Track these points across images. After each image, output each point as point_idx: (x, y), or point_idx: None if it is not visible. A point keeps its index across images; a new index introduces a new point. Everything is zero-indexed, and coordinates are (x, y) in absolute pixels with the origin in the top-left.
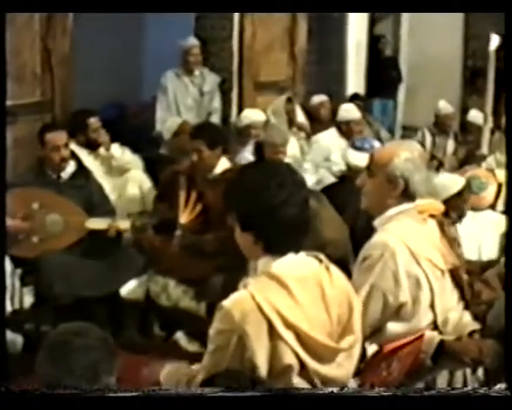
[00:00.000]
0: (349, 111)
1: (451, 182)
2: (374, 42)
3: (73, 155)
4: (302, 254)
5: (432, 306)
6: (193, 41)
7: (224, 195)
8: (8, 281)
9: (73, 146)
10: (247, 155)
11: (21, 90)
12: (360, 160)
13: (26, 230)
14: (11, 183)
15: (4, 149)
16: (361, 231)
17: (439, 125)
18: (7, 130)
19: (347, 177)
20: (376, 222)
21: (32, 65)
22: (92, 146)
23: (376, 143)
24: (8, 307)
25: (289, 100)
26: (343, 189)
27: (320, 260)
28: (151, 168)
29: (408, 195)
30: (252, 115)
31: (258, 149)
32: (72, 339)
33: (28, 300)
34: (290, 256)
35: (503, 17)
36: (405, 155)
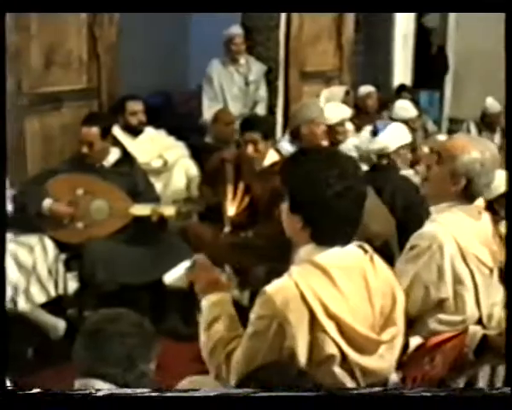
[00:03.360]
0: (406, 109)
1: (501, 180)
2: (421, 33)
3: (117, 143)
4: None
5: (477, 302)
6: (236, 30)
7: (281, 169)
8: (53, 266)
9: (117, 131)
10: (285, 145)
11: (68, 77)
12: (389, 139)
13: (70, 214)
14: (56, 169)
15: (4, 149)
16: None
17: (486, 121)
18: (53, 116)
19: (376, 166)
20: (433, 209)
21: (79, 52)
22: (134, 131)
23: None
24: (52, 292)
25: (347, 93)
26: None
27: (365, 251)
28: (197, 156)
29: (468, 195)
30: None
31: (296, 135)
32: (106, 326)
33: (72, 285)
34: (336, 249)
35: None
36: (475, 155)
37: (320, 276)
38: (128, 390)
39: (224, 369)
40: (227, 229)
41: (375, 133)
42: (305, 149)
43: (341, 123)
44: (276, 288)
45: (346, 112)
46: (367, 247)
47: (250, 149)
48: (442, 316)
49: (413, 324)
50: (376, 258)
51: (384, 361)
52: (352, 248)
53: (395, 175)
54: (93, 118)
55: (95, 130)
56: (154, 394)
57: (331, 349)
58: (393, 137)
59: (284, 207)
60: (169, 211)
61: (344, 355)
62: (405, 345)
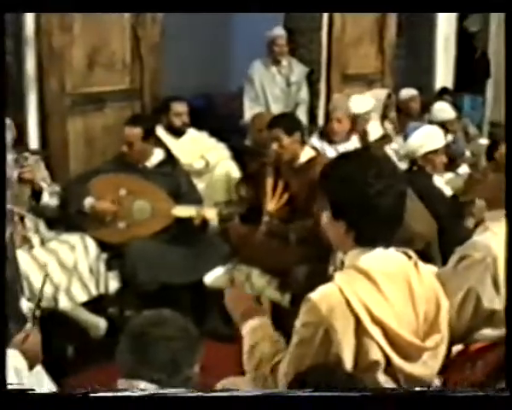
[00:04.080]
0: (444, 111)
1: None
2: (463, 37)
3: (160, 144)
4: (391, 249)
5: None
6: (279, 31)
7: (318, 180)
8: (94, 265)
9: (160, 132)
10: (314, 141)
11: (111, 78)
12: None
13: (113, 213)
14: (99, 169)
15: (4, 149)
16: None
17: None
18: (95, 116)
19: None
20: (488, 215)
21: (122, 53)
22: (177, 132)
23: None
24: (93, 291)
25: (389, 96)
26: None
27: (409, 257)
28: (238, 157)
29: None
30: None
31: (324, 132)
32: (150, 330)
33: (113, 285)
34: (380, 250)
35: None
36: None
37: (364, 281)
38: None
39: (271, 381)
40: (266, 218)
41: (406, 137)
42: (341, 155)
43: (366, 114)
44: (321, 295)
45: (371, 103)
46: (411, 253)
47: (275, 145)
48: (489, 331)
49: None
50: (420, 264)
51: (427, 368)
52: (396, 253)
53: (421, 182)
54: (137, 119)
55: (137, 130)
56: (192, 394)
57: (376, 355)
58: (421, 141)
59: (326, 215)
60: (211, 213)
61: (388, 361)
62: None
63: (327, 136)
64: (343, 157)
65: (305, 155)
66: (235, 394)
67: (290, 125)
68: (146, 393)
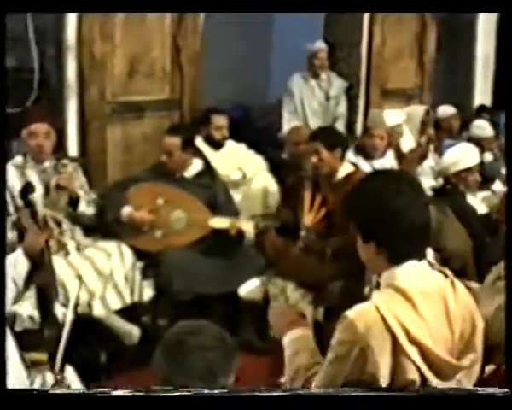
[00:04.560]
0: (483, 129)
1: None
2: (502, 54)
3: (198, 154)
4: (427, 266)
5: None
6: (320, 45)
7: (342, 206)
8: (130, 273)
9: (200, 143)
10: (350, 156)
11: (151, 87)
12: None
13: (150, 222)
14: (138, 178)
15: (4, 149)
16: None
17: None
18: (134, 125)
19: (437, 189)
20: None
21: (162, 62)
22: (216, 144)
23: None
24: (128, 300)
25: (428, 112)
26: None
27: (446, 275)
28: (275, 170)
29: None
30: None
31: (359, 148)
32: (187, 338)
33: (148, 293)
34: (414, 265)
35: None
36: None
37: (401, 300)
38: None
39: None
40: (303, 233)
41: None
42: (363, 179)
43: (398, 126)
44: (358, 313)
45: (402, 116)
46: (448, 271)
47: (314, 158)
48: None
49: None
50: (457, 283)
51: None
52: (433, 272)
53: (454, 200)
54: (176, 128)
55: (177, 140)
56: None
57: (412, 374)
58: (454, 159)
59: (358, 240)
60: (247, 225)
61: (423, 380)
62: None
63: (363, 151)
64: (361, 179)
65: (344, 170)
66: (235, 394)
67: (332, 140)
68: (145, 393)
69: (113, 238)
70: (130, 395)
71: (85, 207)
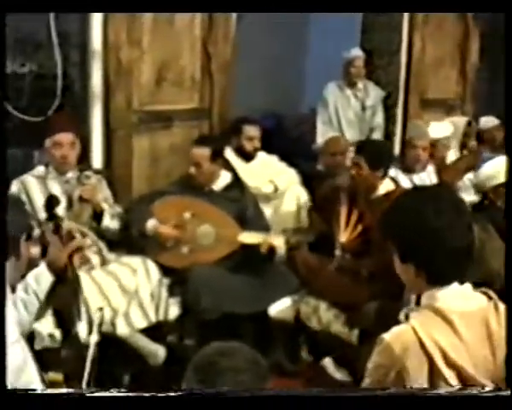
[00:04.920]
0: None
1: None
2: None
3: (227, 165)
4: (470, 288)
5: None
6: (357, 52)
7: (380, 224)
8: (156, 290)
9: (229, 155)
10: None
11: (179, 95)
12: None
13: (176, 237)
14: (164, 191)
15: (5, 151)
16: None
17: None
18: (162, 135)
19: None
20: None
21: (192, 70)
22: (247, 156)
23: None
24: (153, 318)
25: (469, 123)
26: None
27: (489, 297)
28: (308, 183)
29: None
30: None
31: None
32: (219, 360)
33: (174, 311)
34: (455, 288)
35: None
36: None
37: (440, 322)
38: None
39: None
40: (338, 252)
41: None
42: (396, 197)
43: (445, 139)
44: (395, 335)
45: (449, 129)
46: (491, 293)
47: (353, 171)
48: None
49: None
50: (501, 305)
51: None
52: (475, 293)
53: (492, 216)
54: (205, 139)
55: (205, 151)
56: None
57: None
58: (491, 173)
59: (394, 258)
60: (278, 241)
61: None
62: None
63: (402, 164)
64: (399, 196)
65: (384, 187)
66: (235, 394)
67: (377, 157)
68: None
69: (138, 253)
70: (129, 395)
71: (109, 221)
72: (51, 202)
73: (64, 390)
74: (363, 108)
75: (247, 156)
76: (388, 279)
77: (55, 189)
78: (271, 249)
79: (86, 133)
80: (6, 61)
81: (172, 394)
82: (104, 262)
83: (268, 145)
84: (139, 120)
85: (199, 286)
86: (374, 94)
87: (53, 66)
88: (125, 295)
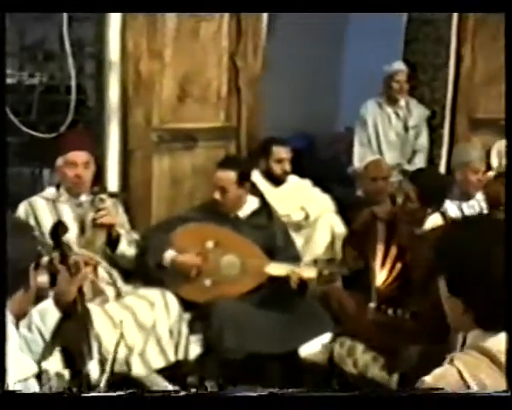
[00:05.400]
0: None
1: None
2: None
3: (254, 190)
4: None
5: None
6: (399, 66)
7: (432, 250)
8: (175, 327)
9: (257, 178)
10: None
11: (203, 113)
12: None
13: (198, 268)
14: (185, 217)
15: (5, 154)
16: None
17: None
18: (184, 155)
19: None
20: None
21: (218, 85)
22: (276, 180)
23: None
24: (172, 357)
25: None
26: None
27: None
28: (344, 210)
29: None
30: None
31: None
32: None
33: (194, 350)
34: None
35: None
36: None
37: (488, 364)
38: None
39: None
40: (373, 305)
41: None
42: (454, 223)
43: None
44: (437, 377)
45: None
46: None
47: (400, 199)
48: None
49: None
50: None
51: None
52: None
53: None
54: (231, 161)
55: (232, 175)
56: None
57: None
58: None
59: (442, 293)
60: (310, 273)
61: None
62: None
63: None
64: (457, 223)
65: (432, 220)
66: (235, 394)
67: (432, 192)
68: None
69: (156, 285)
70: (129, 395)
71: (126, 249)
72: (58, 228)
73: (64, 391)
74: (406, 129)
75: (277, 180)
76: (431, 321)
77: (67, 212)
78: (302, 283)
79: (102, 152)
80: (6, 64)
81: (174, 395)
82: (119, 294)
83: (299, 168)
84: (159, 139)
85: (222, 322)
86: (417, 112)
87: (66, 77)
88: (142, 331)
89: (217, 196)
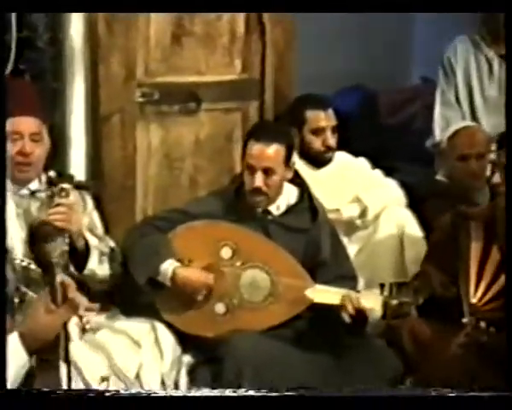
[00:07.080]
0: None
1: None
2: None
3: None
4: None
5: None
6: None
7: None
8: (169, 375)
9: (297, 160)
10: None
11: (210, 59)
12: None
13: (207, 286)
14: (187, 211)
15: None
16: None
17: None
18: (183, 123)
19: None
20: None
21: (232, 18)
22: (316, 160)
23: None
24: None
25: None
26: None
27: None
28: (418, 204)
29: None
30: None
31: None
32: None
33: None
34: None
35: None
36: None
37: None
38: None
39: None
40: (467, 320)
41: None
42: None
43: None
44: None
45: None
46: None
47: (502, 189)
48: None
49: None
50: None
51: None
52: None
53: None
54: (272, 129)
55: (281, 151)
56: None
57: None
58: None
59: None
60: (371, 302)
61: None
62: None
63: None
64: None
65: None
66: (235, 394)
67: None
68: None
69: (144, 315)
70: (129, 395)
71: (97, 265)
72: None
73: (64, 391)
74: None
75: (317, 160)
76: None
77: (9, 208)
78: (360, 313)
79: (60, 120)
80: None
81: (173, 394)
82: (86, 329)
83: (350, 141)
84: (146, 99)
85: (241, 367)
86: None
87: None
88: (120, 382)
89: (258, 182)
